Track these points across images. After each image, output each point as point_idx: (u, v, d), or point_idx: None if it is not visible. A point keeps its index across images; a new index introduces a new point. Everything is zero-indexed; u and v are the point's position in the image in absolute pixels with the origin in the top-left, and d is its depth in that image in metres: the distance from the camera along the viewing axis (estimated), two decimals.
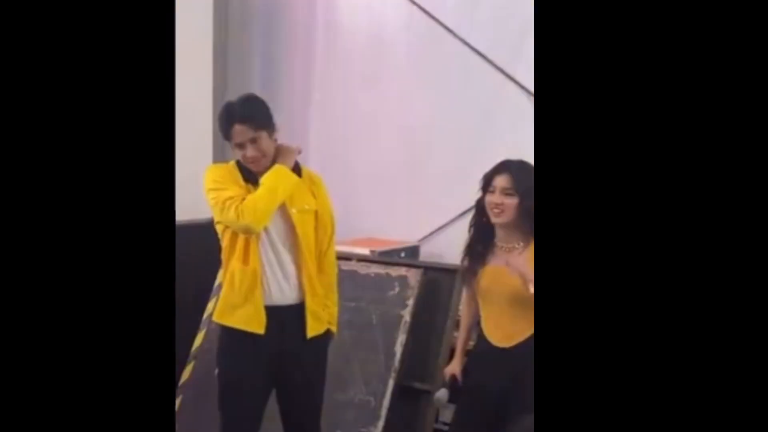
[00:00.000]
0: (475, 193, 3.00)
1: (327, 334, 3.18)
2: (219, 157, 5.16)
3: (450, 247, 3.75)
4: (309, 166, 3.25)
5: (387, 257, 4.46)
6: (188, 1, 4.37)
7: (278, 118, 3.01)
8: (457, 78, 4.81)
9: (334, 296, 3.24)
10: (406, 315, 4.16)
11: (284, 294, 3.02)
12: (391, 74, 5.05)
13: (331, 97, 5.13)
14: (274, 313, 3.00)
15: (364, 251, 4.44)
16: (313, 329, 3.06)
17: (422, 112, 4.96)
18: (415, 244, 4.90)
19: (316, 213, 3.09)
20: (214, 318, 3.09)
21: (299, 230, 3.01)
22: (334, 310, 3.23)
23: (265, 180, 2.94)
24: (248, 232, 2.92)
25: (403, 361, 4.08)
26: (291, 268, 3.02)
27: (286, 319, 3.02)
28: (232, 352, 3.05)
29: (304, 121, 5.30)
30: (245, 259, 2.98)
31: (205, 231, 3.42)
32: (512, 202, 2.87)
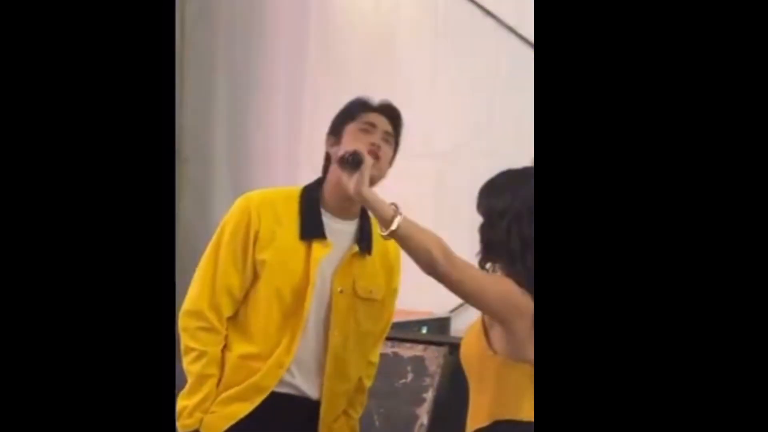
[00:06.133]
0: None
1: None
2: None
3: None
4: None
5: (399, 332, 3.80)
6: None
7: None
8: (507, 80, 4.32)
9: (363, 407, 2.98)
10: (423, 415, 3.74)
11: (304, 386, 2.69)
12: (410, 88, 4.56)
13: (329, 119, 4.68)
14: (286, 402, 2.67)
15: None
16: None
17: (452, 137, 4.57)
18: (445, 315, 4.48)
19: (380, 302, 2.78)
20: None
21: (337, 316, 2.68)
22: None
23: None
24: None
25: None
26: (320, 361, 2.72)
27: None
28: None
29: (292, 151, 4.99)
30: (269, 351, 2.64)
31: None
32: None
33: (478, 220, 2.60)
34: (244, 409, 2.62)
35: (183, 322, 2.58)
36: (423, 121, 4.48)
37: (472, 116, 4.55)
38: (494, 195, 2.49)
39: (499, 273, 2.44)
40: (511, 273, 2.37)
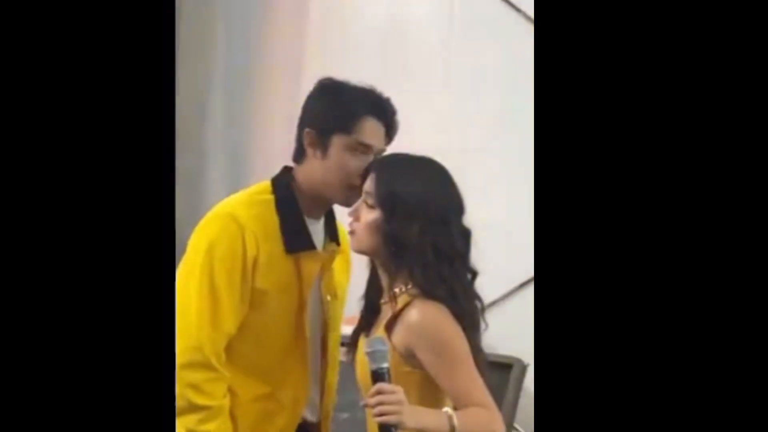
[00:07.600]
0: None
1: None
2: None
3: (503, 332, 2.98)
4: None
5: None
6: None
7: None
8: (518, 82, 3.87)
9: None
10: None
11: (307, 413, 2.37)
12: (418, 83, 4.30)
13: None
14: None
15: None
16: None
17: (460, 136, 4.22)
18: None
19: (342, 299, 2.46)
20: None
21: (332, 324, 2.38)
22: None
23: None
24: None
25: None
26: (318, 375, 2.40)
27: None
28: None
29: (284, 147, 4.76)
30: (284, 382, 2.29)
31: None
32: (369, 217, 2.13)
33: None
34: None
35: (188, 377, 2.09)
36: (436, 118, 4.26)
37: (487, 116, 4.24)
38: (398, 185, 2.14)
39: (410, 288, 2.12)
40: (423, 286, 2.10)
